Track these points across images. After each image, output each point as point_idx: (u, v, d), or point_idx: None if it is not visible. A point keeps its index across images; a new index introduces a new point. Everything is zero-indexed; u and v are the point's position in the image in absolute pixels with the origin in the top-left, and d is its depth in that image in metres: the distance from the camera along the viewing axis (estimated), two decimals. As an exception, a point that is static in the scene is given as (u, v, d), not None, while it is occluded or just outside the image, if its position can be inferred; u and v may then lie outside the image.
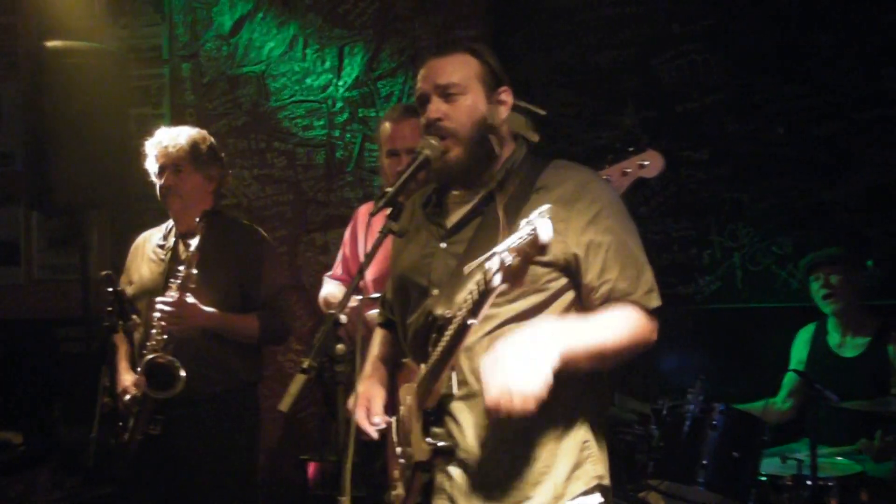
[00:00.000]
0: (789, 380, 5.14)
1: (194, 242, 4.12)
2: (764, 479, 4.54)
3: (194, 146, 4.34)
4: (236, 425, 4.34)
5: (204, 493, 4.24)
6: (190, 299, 4.11)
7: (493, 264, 2.30)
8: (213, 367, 4.26)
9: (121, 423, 4.25)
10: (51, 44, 5.53)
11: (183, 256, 4.23)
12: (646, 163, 3.69)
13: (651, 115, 5.80)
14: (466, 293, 2.49)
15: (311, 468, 5.72)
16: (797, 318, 5.31)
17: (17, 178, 6.80)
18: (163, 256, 4.35)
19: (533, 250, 2.23)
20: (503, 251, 2.27)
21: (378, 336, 3.21)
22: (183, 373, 4.08)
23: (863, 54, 5.37)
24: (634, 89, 5.84)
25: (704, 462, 4.42)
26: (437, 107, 2.77)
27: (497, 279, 2.29)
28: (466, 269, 2.44)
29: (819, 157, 5.46)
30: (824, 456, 4.64)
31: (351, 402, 2.83)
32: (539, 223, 2.21)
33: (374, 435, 2.88)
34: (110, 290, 4.12)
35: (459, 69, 2.78)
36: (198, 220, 4.19)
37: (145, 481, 4.25)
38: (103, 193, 5.49)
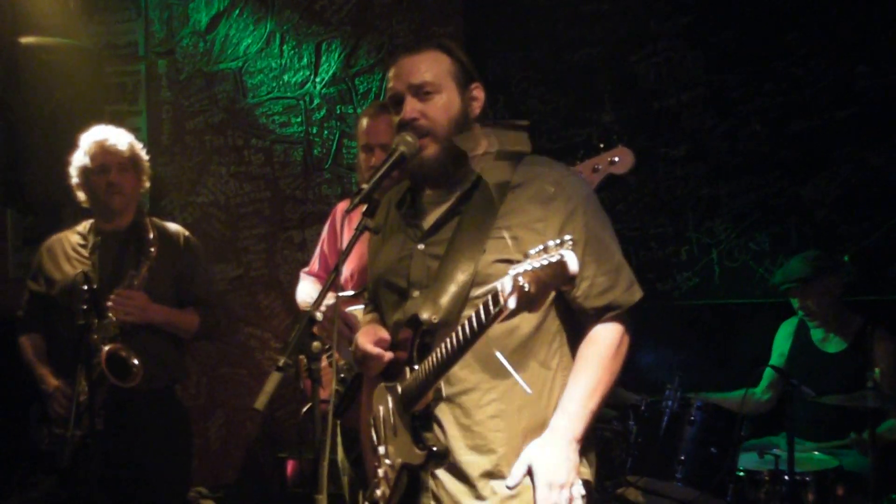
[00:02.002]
0: (769, 373, 5.16)
1: (150, 239, 4.28)
2: (741, 474, 4.56)
3: (136, 148, 4.48)
4: (171, 422, 4.51)
5: (140, 491, 4.32)
6: (141, 293, 4.25)
7: (507, 285, 2.28)
8: (152, 363, 4.31)
9: (46, 429, 4.36)
10: (25, 40, 5.52)
11: (114, 255, 4.40)
12: (616, 159, 3.69)
13: (628, 113, 5.80)
14: (460, 307, 2.57)
15: (289, 466, 5.71)
16: (774, 313, 5.33)
17: (-10, 175, 6.76)
18: (87, 255, 4.42)
19: (557, 280, 2.20)
20: (518, 273, 2.24)
21: (367, 318, 3.15)
22: (137, 362, 4.15)
23: (838, 52, 5.38)
24: (611, 86, 5.84)
25: (682, 458, 4.44)
26: (412, 106, 2.75)
27: (512, 302, 2.27)
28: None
29: (795, 154, 5.47)
30: (805, 450, 4.66)
31: (355, 343, 2.86)
32: (567, 254, 2.17)
33: (385, 355, 2.81)
34: (86, 288, 4.11)
35: (432, 67, 2.77)
36: (147, 219, 4.37)
37: (85, 478, 4.25)
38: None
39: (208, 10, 6.61)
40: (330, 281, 2.61)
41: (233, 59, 6.56)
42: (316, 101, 6.39)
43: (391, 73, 2.82)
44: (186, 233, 4.60)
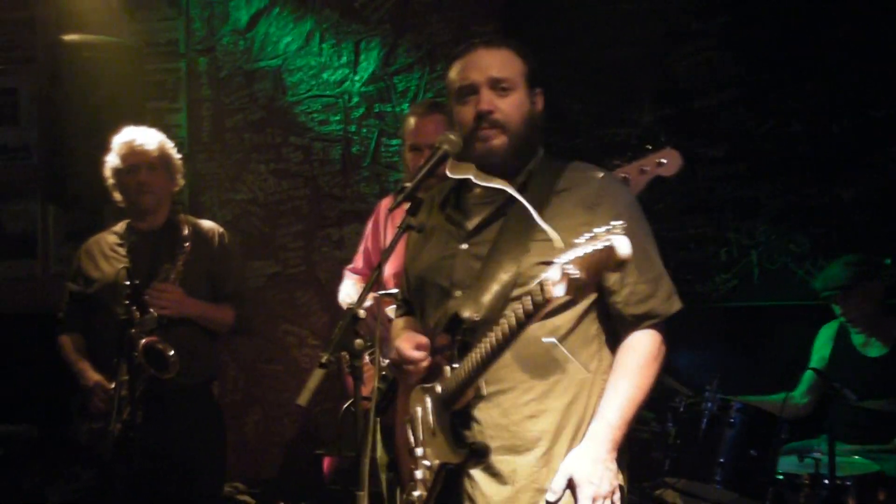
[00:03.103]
0: (808, 377, 5.11)
1: (185, 235, 4.37)
2: (781, 477, 4.52)
3: (165, 148, 4.54)
4: (206, 419, 4.56)
5: (176, 487, 4.37)
6: (177, 287, 4.33)
7: (554, 275, 2.29)
8: (187, 360, 4.34)
9: (87, 424, 4.39)
10: (68, 38, 5.57)
11: (149, 253, 4.45)
12: (664, 161, 3.67)
13: (667, 112, 5.78)
14: (501, 306, 2.58)
15: (327, 463, 5.72)
16: (814, 315, 5.28)
17: (33, 171, 6.83)
18: (124, 254, 4.48)
19: (608, 265, 2.21)
20: (566, 262, 2.25)
21: (400, 321, 3.15)
22: (172, 353, 4.20)
23: (880, 51, 5.33)
24: (650, 86, 5.82)
25: (721, 460, 4.41)
26: (489, 98, 2.76)
27: (559, 290, 2.28)
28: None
29: (836, 155, 5.43)
30: (844, 453, 4.62)
31: (396, 349, 2.85)
32: (616, 239, 2.18)
33: (420, 355, 2.79)
34: (128, 283, 4.16)
35: (510, 65, 2.80)
36: (180, 216, 4.48)
37: (125, 471, 4.31)
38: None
39: (248, 8, 6.63)
40: (373, 279, 2.62)
41: (272, 57, 6.59)
42: (355, 100, 6.41)
43: (463, 63, 2.82)
44: (221, 229, 4.66)
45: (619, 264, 2.19)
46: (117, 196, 4.53)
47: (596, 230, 2.22)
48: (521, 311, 2.45)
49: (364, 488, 2.49)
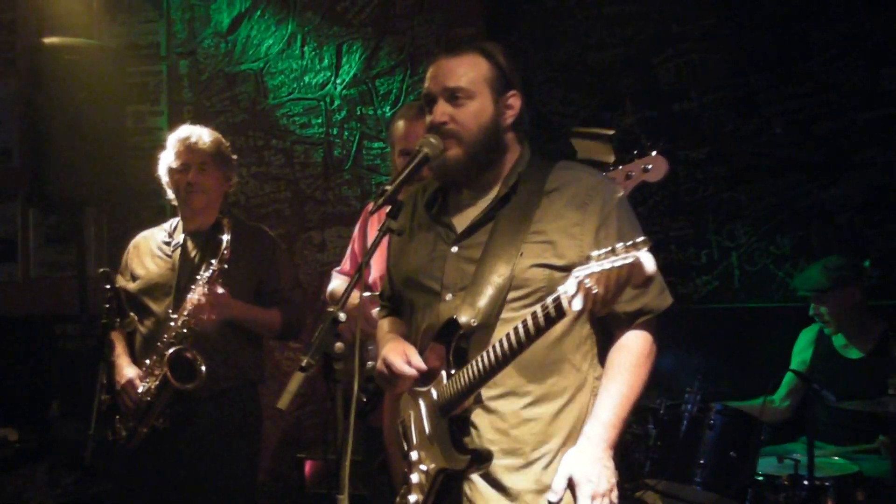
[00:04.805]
0: (789, 379, 5.13)
1: (225, 239, 4.19)
2: (761, 478, 4.54)
3: (219, 145, 4.42)
4: (239, 425, 4.40)
5: (203, 493, 4.26)
6: (221, 290, 4.18)
7: (570, 288, 2.28)
8: (224, 364, 4.29)
9: (118, 417, 4.28)
10: (49, 40, 5.54)
11: (194, 254, 4.34)
12: (649, 166, 3.69)
13: (649, 115, 5.79)
14: (497, 310, 2.61)
15: (308, 466, 5.72)
16: (794, 318, 5.29)
17: (14, 174, 6.80)
18: (169, 253, 4.40)
19: (632, 281, 2.20)
20: (585, 276, 2.24)
21: (385, 322, 3.15)
22: (204, 368, 4.12)
23: (862, 54, 5.36)
24: (633, 88, 5.83)
25: (701, 461, 4.43)
26: (442, 109, 2.76)
27: (577, 304, 2.27)
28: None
29: (817, 157, 5.45)
30: (825, 453, 4.64)
31: (384, 360, 2.82)
32: (643, 255, 2.17)
33: (412, 373, 2.76)
34: (108, 286, 4.12)
35: (469, 72, 2.76)
36: (224, 219, 4.28)
37: (145, 478, 4.26)
38: (100, 190, 5.50)
39: (230, 11, 6.62)
40: (354, 281, 2.61)
41: (254, 60, 6.58)
42: (336, 103, 6.40)
43: (428, 73, 2.83)
44: (268, 233, 4.58)
45: (646, 280, 2.18)
46: (171, 195, 4.43)
47: (616, 245, 2.21)
48: (531, 323, 2.44)
49: (344, 491, 2.48)
